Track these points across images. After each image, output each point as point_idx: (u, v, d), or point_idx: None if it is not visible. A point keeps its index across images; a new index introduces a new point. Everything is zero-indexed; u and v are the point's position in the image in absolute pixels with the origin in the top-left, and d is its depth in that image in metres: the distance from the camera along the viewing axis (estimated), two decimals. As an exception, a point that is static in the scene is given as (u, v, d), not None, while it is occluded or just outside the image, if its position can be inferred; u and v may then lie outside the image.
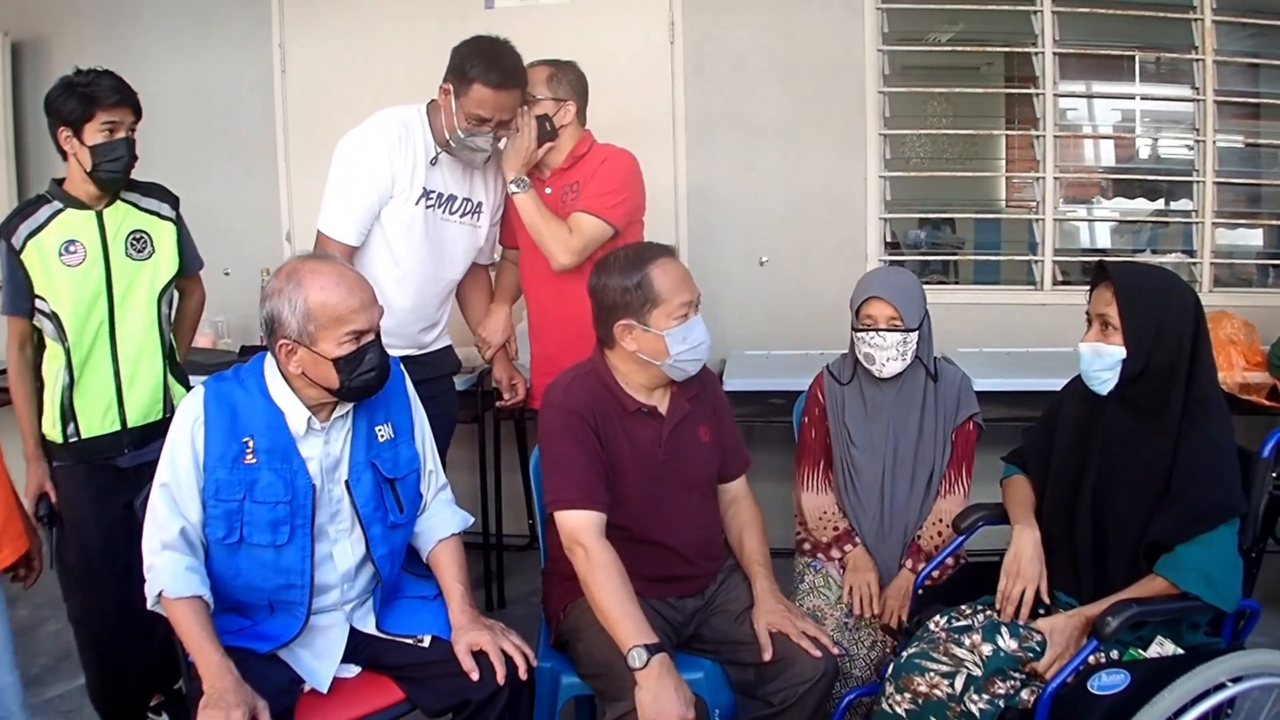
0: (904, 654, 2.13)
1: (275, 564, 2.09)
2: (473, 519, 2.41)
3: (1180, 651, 2.02)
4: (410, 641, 2.18)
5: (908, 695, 2.04)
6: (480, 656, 2.07)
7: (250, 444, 2.07)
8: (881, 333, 2.51)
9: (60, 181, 2.62)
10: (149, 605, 2.01)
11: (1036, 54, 4.04)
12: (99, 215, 2.61)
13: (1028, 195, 4.33)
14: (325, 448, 2.14)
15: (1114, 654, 2.03)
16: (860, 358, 2.58)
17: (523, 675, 2.08)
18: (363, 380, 2.07)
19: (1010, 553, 2.20)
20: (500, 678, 2.04)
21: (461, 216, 2.90)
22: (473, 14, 4.10)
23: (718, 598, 2.39)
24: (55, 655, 3.41)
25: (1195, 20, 3.99)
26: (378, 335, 2.11)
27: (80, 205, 2.59)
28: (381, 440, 2.21)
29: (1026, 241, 4.23)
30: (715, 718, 2.26)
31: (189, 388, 2.70)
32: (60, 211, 2.58)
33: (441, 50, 2.76)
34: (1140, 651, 2.03)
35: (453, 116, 2.71)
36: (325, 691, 2.11)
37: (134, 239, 2.65)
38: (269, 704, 1.88)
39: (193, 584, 1.99)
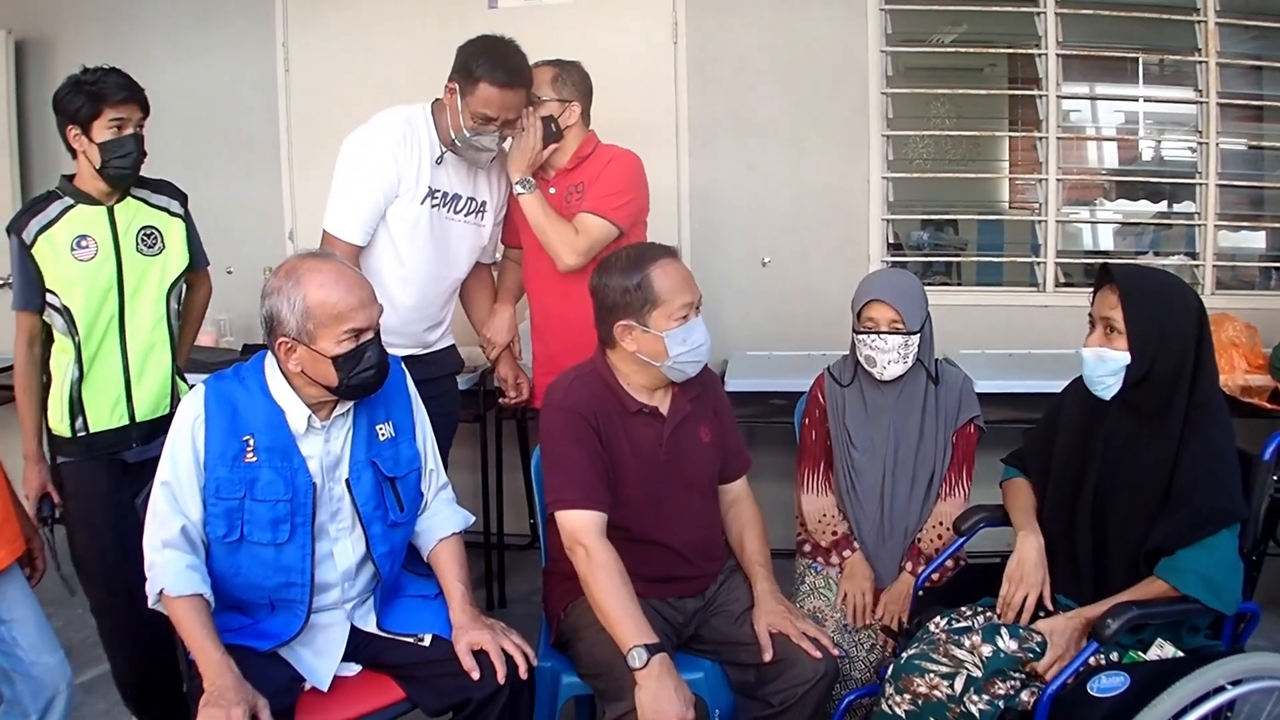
0: (904, 655, 2.13)
1: (276, 562, 2.09)
2: (474, 518, 2.42)
3: (1180, 654, 2.02)
4: (411, 640, 2.18)
5: (907, 696, 2.04)
6: (481, 656, 2.08)
7: (251, 442, 2.07)
8: (883, 335, 2.50)
9: (70, 178, 2.63)
10: (150, 604, 2.02)
11: (1040, 55, 4.04)
12: (110, 211, 2.61)
13: (1030, 197, 4.32)
14: (326, 446, 2.14)
15: (1114, 656, 2.03)
16: (861, 360, 2.58)
17: (523, 675, 2.08)
18: (362, 378, 2.07)
19: (1014, 559, 2.20)
20: (501, 677, 2.04)
21: (466, 216, 2.91)
22: (476, 14, 4.10)
23: (718, 598, 2.39)
24: None
25: (1199, 22, 3.99)
26: (377, 333, 2.11)
27: (91, 201, 2.60)
28: (382, 439, 2.22)
29: (1029, 243, 4.22)
30: (715, 718, 2.26)
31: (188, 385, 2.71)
32: (71, 207, 2.59)
33: (445, 50, 2.77)
34: (1140, 654, 2.03)
35: (458, 115, 2.71)
36: (326, 690, 2.11)
37: (144, 235, 2.66)
38: (269, 702, 1.89)
39: (193, 582, 2.00)
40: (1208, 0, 3.96)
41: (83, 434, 2.63)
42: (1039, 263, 4.15)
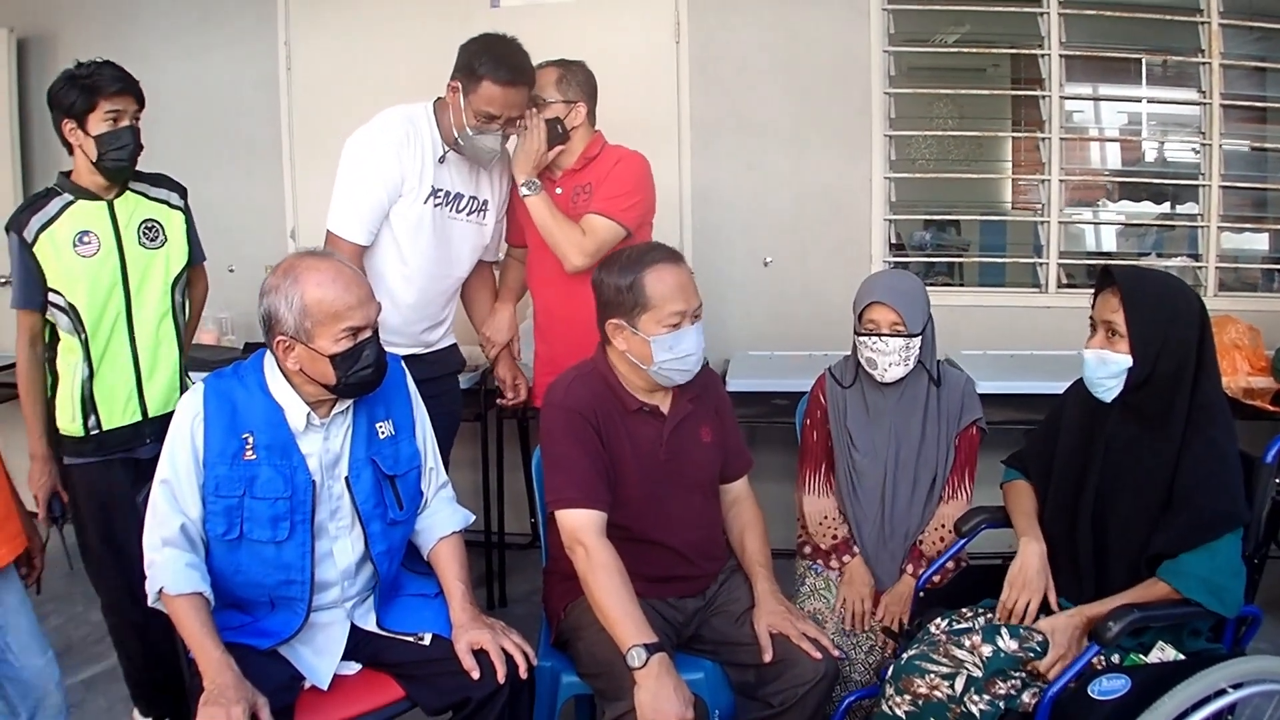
0: (904, 656, 2.13)
1: (276, 560, 2.09)
2: (474, 517, 2.42)
3: (1181, 657, 2.01)
4: (411, 639, 2.18)
5: (907, 697, 2.04)
6: (481, 655, 2.08)
7: (250, 440, 2.07)
8: (884, 338, 2.49)
9: (68, 174, 2.62)
10: (150, 602, 2.02)
11: (1043, 56, 4.03)
12: (110, 205, 2.61)
13: (1033, 197, 4.31)
14: (325, 444, 2.14)
15: (1115, 659, 2.02)
16: (862, 362, 2.57)
17: (523, 674, 2.08)
18: (359, 376, 2.07)
19: (1016, 564, 2.19)
20: (501, 676, 2.04)
21: (468, 215, 2.90)
22: (478, 13, 4.09)
23: (718, 598, 2.39)
24: (58, 650, 3.34)
25: (1202, 23, 3.98)
26: (375, 332, 2.11)
27: (91, 196, 2.59)
28: (382, 437, 2.21)
29: (1031, 244, 4.21)
30: (715, 718, 2.26)
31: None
32: (71, 203, 2.58)
33: (447, 49, 2.76)
34: (1141, 657, 2.02)
35: (461, 114, 2.71)
36: (326, 688, 2.11)
37: (146, 228, 2.66)
38: (269, 700, 1.89)
39: (193, 580, 2.00)
40: (1211, 1, 3.95)
41: (96, 432, 2.62)
42: (1041, 264, 4.15)
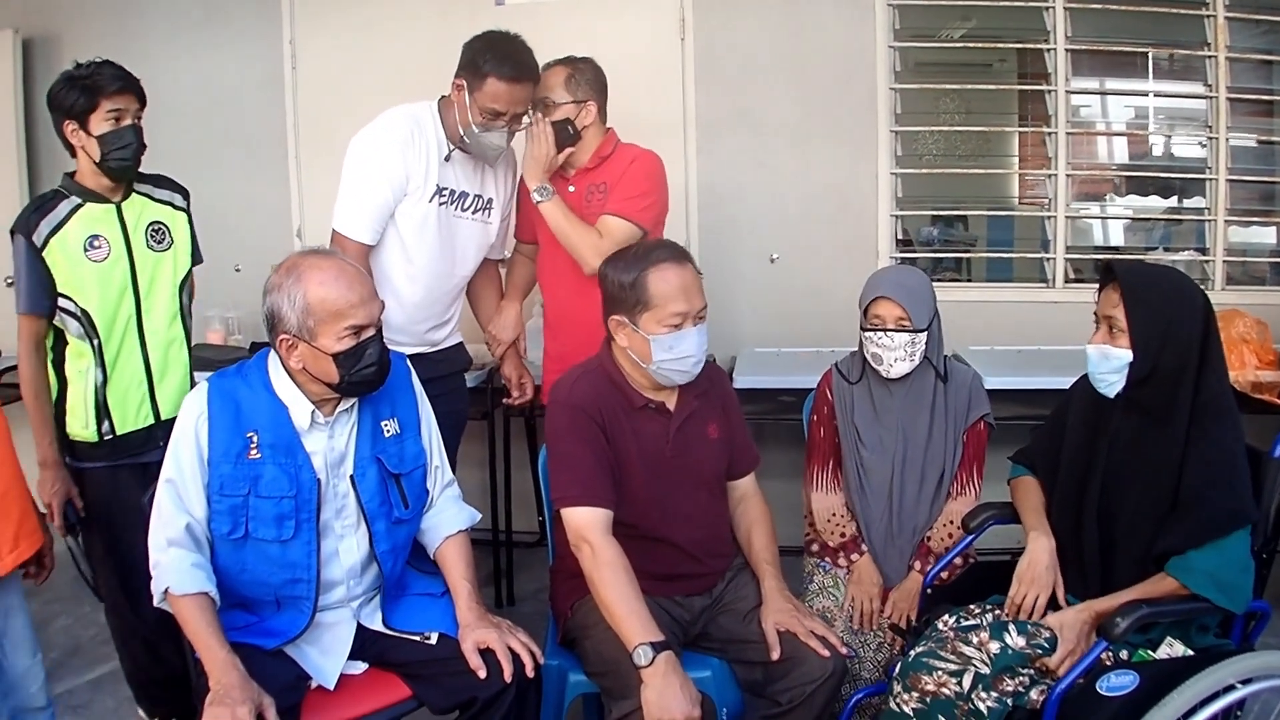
0: (912, 653, 2.12)
1: (281, 559, 2.09)
2: (480, 515, 2.41)
3: (1190, 653, 2.00)
4: (417, 639, 2.17)
5: (915, 694, 2.04)
6: (487, 654, 2.07)
7: (254, 439, 2.07)
8: (889, 333, 2.48)
9: (72, 175, 2.61)
10: (155, 602, 2.02)
11: (1049, 50, 4.02)
12: (118, 208, 2.60)
13: (1040, 192, 4.30)
14: (330, 442, 2.14)
15: (1123, 655, 2.01)
16: (868, 358, 2.56)
17: (530, 673, 2.07)
18: (362, 375, 2.07)
19: (1025, 559, 2.19)
20: (507, 675, 2.03)
21: (474, 213, 2.90)
22: (482, 11, 4.08)
23: (725, 596, 2.38)
24: (65, 650, 3.43)
25: (1208, 17, 3.97)
26: (378, 330, 2.11)
27: (98, 198, 2.58)
28: (387, 435, 2.21)
29: (1039, 239, 4.21)
30: (723, 716, 2.25)
31: None
32: (80, 206, 2.56)
33: (451, 47, 2.76)
34: (1150, 653, 2.01)
35: (466, 112, 2.70)
36: (332, 688, 2.11)
37: (153, 230, 2.65)
38: (275, 700, 1.89)
39: (198, 580, 2.00)
40: (1217, -6, 3.94)
41: (109, 436, 2.61)
42: (1049, 258, 4.14)
